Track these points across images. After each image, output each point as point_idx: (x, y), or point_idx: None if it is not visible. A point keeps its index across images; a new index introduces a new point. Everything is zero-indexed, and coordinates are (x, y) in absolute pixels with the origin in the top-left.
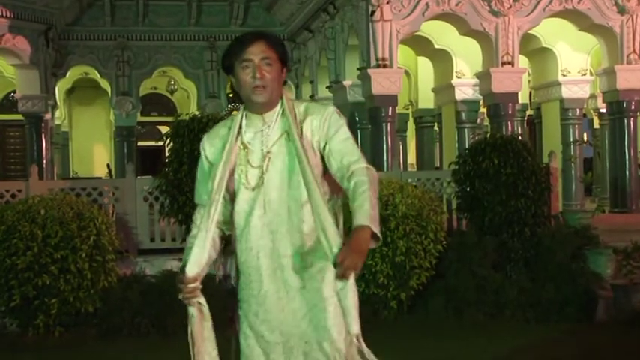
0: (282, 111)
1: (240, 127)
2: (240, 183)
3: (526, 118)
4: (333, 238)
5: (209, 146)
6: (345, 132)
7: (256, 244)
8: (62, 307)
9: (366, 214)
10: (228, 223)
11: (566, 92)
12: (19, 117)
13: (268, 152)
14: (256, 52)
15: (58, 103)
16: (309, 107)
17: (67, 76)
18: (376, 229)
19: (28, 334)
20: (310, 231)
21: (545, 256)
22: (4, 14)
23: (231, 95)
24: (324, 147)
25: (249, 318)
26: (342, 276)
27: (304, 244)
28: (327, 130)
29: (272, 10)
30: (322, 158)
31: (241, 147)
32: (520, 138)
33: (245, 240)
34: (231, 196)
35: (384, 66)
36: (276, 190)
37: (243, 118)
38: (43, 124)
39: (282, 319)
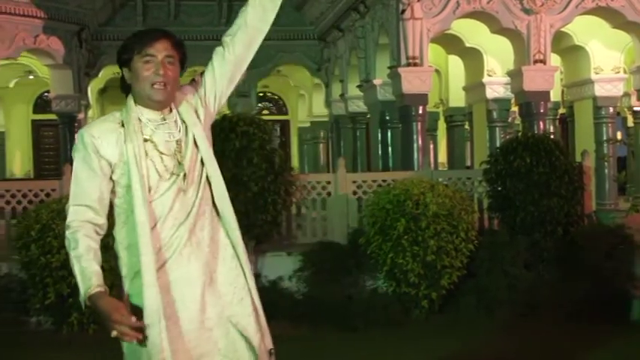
0: (178, 107)
1: (140, 122)
2: (155, 174)
3: (558, 117)
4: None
5: (101, 141)
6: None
7: (177, 233)
8: None
9: None
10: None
11: (599, 90)
12: (53, 117)
13: (178, 140)
14: (161, 49)
15: (91, 102)
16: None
17: (100, 76)
18: None
19: (62, 332)
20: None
21: (578, 256)
22: (38, 15)
23: (123, 86)
24: (214, 75)
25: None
26: None
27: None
28: (204, 83)
29: (302, 9)
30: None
31: (143, 141)
32: (552, 136)
33: (167, 229)
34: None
35: (415, 65)
36: (193, 183)
37: (139, 113)
38: (76, 124)
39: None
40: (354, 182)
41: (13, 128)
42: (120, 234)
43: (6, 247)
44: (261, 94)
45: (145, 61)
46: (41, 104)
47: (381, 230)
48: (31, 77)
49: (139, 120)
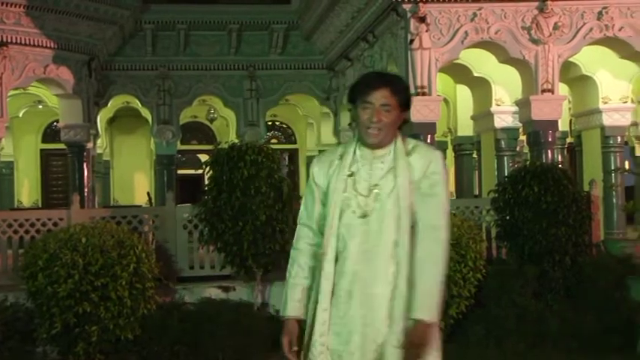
0: (395, 149)
1: (354, 155)
2: (347, 208)
3: (566, 146)
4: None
5: (318, 169)
6: (442, 182)
7: (352, 269)
8: (102, 334)
9: (420, 303)
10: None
11: (607, 120)
12: (62, 146)
13: (376, 185)
14: (378, 97)
15: (100, 132)
16: (417, 145)
17: (109, 105)
18: (429, 316)
19: None
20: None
21: (586, 285)
22: (49, 45)
23: (349, 125)
24: (419, 183)
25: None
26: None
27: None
28: (427, 169)
29: (311, 38)
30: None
31: (348, 174)
32: (560, 166)
33: (341, 264)
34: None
35: (423, 94)
36: (378, 223)
37: (357, 148)
38: (85, 153)
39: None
40: None
41: (21, 157)
42: None
43: (13, 277)
44: (269, 123)
45: (364, 107)
46: (50, 134)
47: None
48: (41, 107)
49: (354, 153)
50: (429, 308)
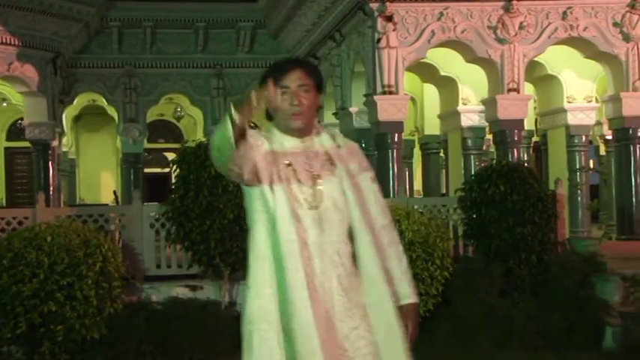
0: (322, 139)
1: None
2: (294, 200)
3: (532, 145)
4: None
5: (257, 146)
6: (374, 176)
7: (310, 262)
8: (68, 334)
9: (406, 288)
10: None
11: (572, 119)
12: (27, 144)
13: (318, 175)
14: (294, 79)
15: (65, 130)
16: (341, 138)
17: (74, 103)
18: (416, 297)
19: None
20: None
21: (552, 283)
22: (13, 42)
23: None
24: (356, 177)
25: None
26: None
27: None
28: (360, 162)
29: (278, 37)
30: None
31: (286, 164)
32: (526, 164)
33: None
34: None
35: (390, 93)
36: (331, 211)
37: (282, 140)
38: (50, 151)
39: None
40: None
41: None
42: None
43: None
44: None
45: (282, 93)
46: (15, 132)
47: None
48: (5, 104)
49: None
50: (413, 290)
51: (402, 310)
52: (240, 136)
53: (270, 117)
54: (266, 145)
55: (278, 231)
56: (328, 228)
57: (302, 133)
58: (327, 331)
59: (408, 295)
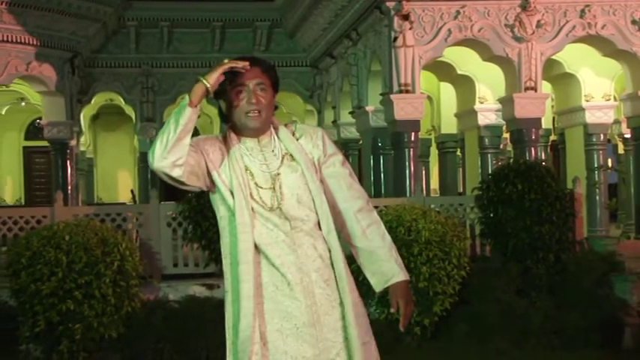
0: (279, 135)
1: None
2: (254, 203)
3: (550, 144)
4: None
5: (212, 149)
6: (342, 159)
7: (285, 259)
8: (86, 332)
9: (395, 267)
10: None
11: (590, 118)
12: (45, 143)
13: (278, 174)
14: (251, 77)
15: (83, 129)
16: (299, 127)
17: (92, 102)
18: (406, 274)
19: None
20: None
21: (570, 283)
22: (31, 42)
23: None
24: (322, 166)
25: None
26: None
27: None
28: (324, 148)
29: (295, 36)
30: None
31: (243, 168)
32: (544, 163)
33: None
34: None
35: (407, 91)
36: (294, 209)
37: (237, 140)
38: (68, 151)
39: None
40: None
41: (4, 155)
42: None
43: None
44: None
45: (238, 92)
46: (33, 131)
47: None
48: (23, 104)
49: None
50: (401, 267)
51: (391, 290)
52: (198, 101)
53: (225, 119)
54: (223, 149)
55: (237, 239)
56: (297, 225)
57: (259, 132)
58: (311, 326)
59: (396, 274)
